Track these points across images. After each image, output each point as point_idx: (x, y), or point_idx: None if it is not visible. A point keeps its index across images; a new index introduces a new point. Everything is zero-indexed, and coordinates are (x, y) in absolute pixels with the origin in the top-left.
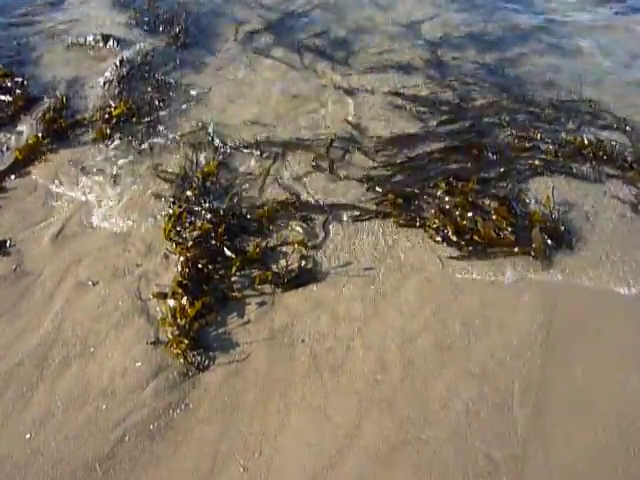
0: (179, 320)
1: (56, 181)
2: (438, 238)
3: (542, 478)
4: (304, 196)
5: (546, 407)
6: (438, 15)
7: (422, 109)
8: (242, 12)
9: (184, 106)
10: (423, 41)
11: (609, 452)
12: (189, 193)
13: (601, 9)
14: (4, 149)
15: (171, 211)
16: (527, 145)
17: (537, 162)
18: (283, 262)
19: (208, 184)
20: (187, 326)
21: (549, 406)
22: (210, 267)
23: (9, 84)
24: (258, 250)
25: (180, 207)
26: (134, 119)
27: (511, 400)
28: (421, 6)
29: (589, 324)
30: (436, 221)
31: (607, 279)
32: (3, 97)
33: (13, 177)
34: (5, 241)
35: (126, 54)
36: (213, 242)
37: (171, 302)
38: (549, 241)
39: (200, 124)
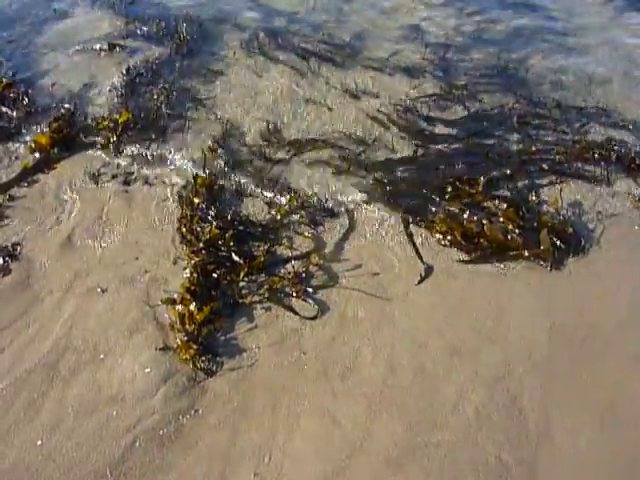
0: (188, 326)
1: (64, 188)
2: (446, 242)
3: None
4: (313, 200)
5: (556, 410)
6: (442, 17)
7: (428, 111)
8: (245, 18)
9: (190, 112)
10: (428, 43)
11: (620, 456)
12: (197, 199)
13: (607, 8)
14: (13, 158)
15: (179, 217)
16: (535, 146)
17: (545, 164)
18: (291, 267)
19: (215, 188)
20: (196, 332)
21: (559, 409)
22: (218, 273)
23: (16, 94)
24: (266, 255)
25: (188, 213)
26: (140, 126)
27: (522, 403)
28: (424, 8)
29: (598, 327)
30: (444, 224)
31: (616, 281)
32: (10, 106)
33: (22, 185)
34: (15, 248)
35: (132, 62)
36: (221, 248)
37: (180, 308)
38: (558, 243)
39: (206, 129)
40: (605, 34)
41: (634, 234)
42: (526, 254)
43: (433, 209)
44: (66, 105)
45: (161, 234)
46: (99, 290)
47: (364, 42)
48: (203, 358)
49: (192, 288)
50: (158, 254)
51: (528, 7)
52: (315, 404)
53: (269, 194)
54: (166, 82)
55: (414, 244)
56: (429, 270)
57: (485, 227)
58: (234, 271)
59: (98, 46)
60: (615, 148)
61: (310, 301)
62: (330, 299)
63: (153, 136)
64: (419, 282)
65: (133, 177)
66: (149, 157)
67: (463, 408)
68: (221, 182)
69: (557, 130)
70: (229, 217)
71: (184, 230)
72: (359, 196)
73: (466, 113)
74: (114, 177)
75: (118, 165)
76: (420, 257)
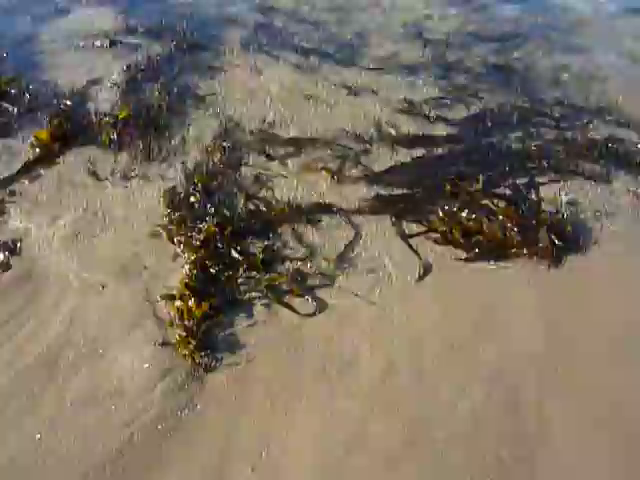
0: (187, 321)
1: (65, 184)
2: (445, 239)
3: (552, 478)
4: (312, 198)
5: (555, 408)
6: (442, 15)
7: (429, 109)
8: (246, 15)
9: (190, 109)
10: (428, 42)
11: (618, 454)
12: (197, 195)
13: (608, 6)
14: (13, 153)
15: (179, 213)
16: (535, 144)
17: (544, 161)
18: (290, 264)
19: (214, 185)
20: (194, 327)
21: (558, 407)
22: (217, 269)
23: (17, 90)
24: (265, 253)
25: (188, 209)
26: (141, 123)
27: (520, 400)
28: (425, 6)
29: (597, 325)
30: (443, 222)
31: (615, 279)
32: (11, 102)
33: (22, 181)
34: (15, 243)
35: (132, 59)
36: (220, 244)
37: (179, 304)
38: (557, 241)
39: (207, 126)
40: (606, 32)
41: (633, 232)
42: (525, 252)
43: (432, 207)
44: (67, 101)
45: (160, 229)
46: (99, 286)
47: (364, 40)
48: (202, 354)
49: (191, 284)
50: (157, 250)
51: (528, 5)
52: (313, 400)
53: (268, 192)
54: (166, 79)
55: (409, 243)
56: (428, 268)
57: (484, 225)
58: (233, 267)
59: (99, 42)
60: (615, 146)
61: (308, 298)
62: (328, 295)
63: (153, 132)
64: (418, 280)
65: (133, 173)
66: (149, 153)
67: (461, 405)
68: (220, 179)
69: (557, 128)
70: (228, 214)
71: (183, 225)
72: (358, 194)
73: (467, 111)
74: (114, 173)
75: (118, 161)
76: (418, 255)
